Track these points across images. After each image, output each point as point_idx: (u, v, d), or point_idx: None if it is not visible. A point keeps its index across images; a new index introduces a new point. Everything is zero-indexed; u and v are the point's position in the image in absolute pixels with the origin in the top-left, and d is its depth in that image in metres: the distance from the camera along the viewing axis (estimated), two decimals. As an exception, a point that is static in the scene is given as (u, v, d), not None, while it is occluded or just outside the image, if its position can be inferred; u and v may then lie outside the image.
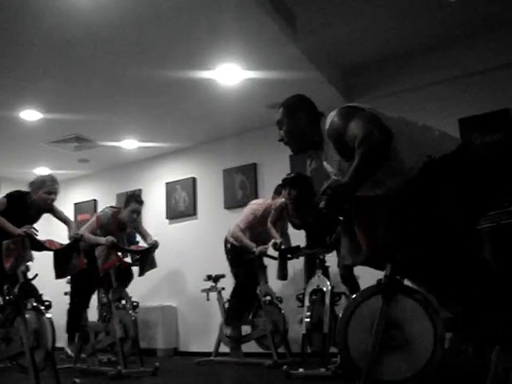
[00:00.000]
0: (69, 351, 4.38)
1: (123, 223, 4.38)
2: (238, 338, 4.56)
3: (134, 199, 4.38)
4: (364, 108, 2.01)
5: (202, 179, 6.07)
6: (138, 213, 4.38)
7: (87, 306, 4.45)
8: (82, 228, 4.34)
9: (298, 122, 2.19)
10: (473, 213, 1.93)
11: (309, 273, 4.08)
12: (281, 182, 4.05)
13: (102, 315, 4.35)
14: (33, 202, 3.71)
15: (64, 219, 3.93)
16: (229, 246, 4.61)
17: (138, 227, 4.52)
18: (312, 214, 3.93)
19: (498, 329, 1.79)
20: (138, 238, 4.88)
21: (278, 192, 4.37)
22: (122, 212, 4.36)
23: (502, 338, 1.77)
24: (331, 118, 2.04)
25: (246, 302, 4.57)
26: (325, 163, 2.22)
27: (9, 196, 3.67)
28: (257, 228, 4.43)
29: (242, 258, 4.52)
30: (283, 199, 4.13)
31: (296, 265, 4.26)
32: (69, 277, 4.28)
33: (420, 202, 1.86)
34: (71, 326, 4.34)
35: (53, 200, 3.76)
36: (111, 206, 4.63)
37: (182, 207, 6.12)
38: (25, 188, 3.82)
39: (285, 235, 4.47)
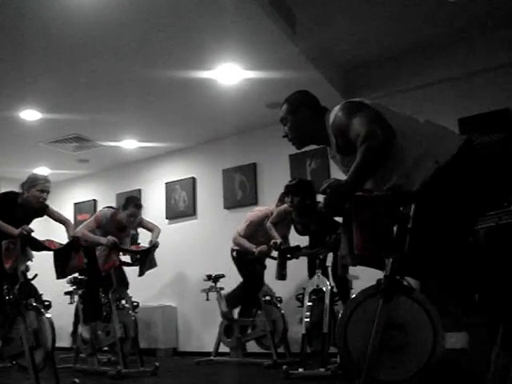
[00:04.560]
0: (86, 333, 4.24)
1: (122, 224, 4.39)
2: (230, 318, 4.65)
3: (132, 203, 4.37)
4: (368, 104, 2.00)
5: (201, 179, 6.07)
6: (136, 217, 4.39)
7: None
8: (80, 226, 4.35)
9: (301, 117, 2.19)
10: (478, 212, 1.93)
11: (310, 273, 4.10)
12: (282, 186, 4.04)
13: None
14: (25, 201, 3.69)
15: (61, 219, 3.92)
16: (234, 254, 4.63)
17: (141, 225, 4.55)
18: (315, 220, 3.94)
19: (498, 326, 1.80)
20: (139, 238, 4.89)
21: (282, 200, 4.35)
22: (121, 213, 4.37)
23: (502, 336, 1.78)
24: (335, 112, 2.03)
25: (246, 297, 4.62)
26: (331, 158, 2.22)
27: (1, 197, 3.66)
28: (257, 235, 4.43)
29: (248, 263, 4.54)
30: (286, 205, 4.13)
31: (296, 265, 4.25)
32: (69, 277, 4.28)
33: (435, 208, 1.85)
34: (88, 314, 4.25)
35: (45, 199, 3.74)
36: (110, 207, 4.63)
37: (181, 207, 6.12)
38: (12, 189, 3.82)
39: (285, 239, 4.47)
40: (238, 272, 4.65)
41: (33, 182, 3.70)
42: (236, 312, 4.79)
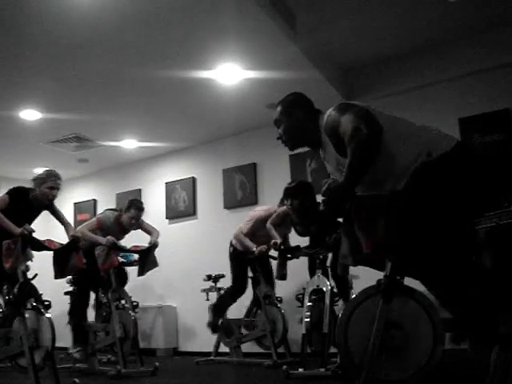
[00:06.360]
0: (74, 353, 4.28)
1: (124, 226, 4.39)
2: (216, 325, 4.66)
3: (134, 206, 4.36)
4: (359, 104, 2.01)
5: (201, 179, 6.07)
6: (137, 219, 4.39)
7: (87, 306, 4.45)
8: (81, 226, 4.34)
9: (295, 119, 2.19)
10: (472, 212, 1.93)
11: (311, 273, 4.10)
12: (282, 186, 4.04)
13: (100, 315, 4.35)
14: (34, 197, 3.69)
15: (62, 220, 3.90)
16: (231, 249, 4.62)
17: (141, 227, 4.53)
18: (315, 222, 3.94)
19: (497, 328, 1.79)
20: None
21: (283, 202, 4.32)
22: (123, 216, 4.37)
23: (501, 337, 1.78)
24: (328, 114, 2.05)
25: (231, 303, 4.65)
26: (324, 162, 2.22)
27: (11, 193, 3.64)
28: (258, 235, 4.43)
29: (244, 263, 4.54)
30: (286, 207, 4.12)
31: (296, 265, 4.25)
32: (69, 277, 4.28)
33: (420, 201, 1.86)
34: (77, 326, 4.28)
35: (54, 196, 3.73)
36: (112, 209, 4.62)
37: (181, 207, 6.12)
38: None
39: (286, 239, 4.46)
40: (230, 270, 4.65)
41: (44, 178, 3.69)
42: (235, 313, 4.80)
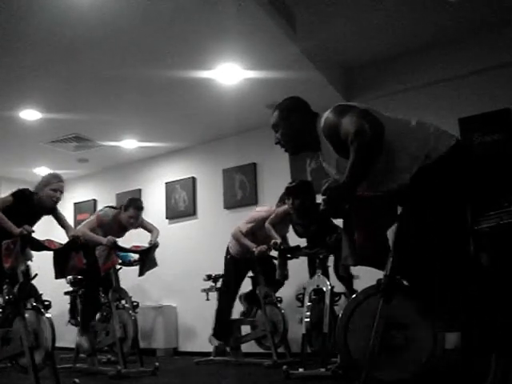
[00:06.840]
0: (84, 343, 4.23)
1: (123, 225, 4.39)
2: (224, 350, 4.59)
3: (133, 205, 4.35)
4: (357, 105, 2.02)
5: (201, 179, 6.07)
6: (136, 219, 4.38)
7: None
8: (81, 225, 4.34)
9: (293, 123, 2.19)
10: (471, 212, 1.93)
11: (311, 273, 4.09)
12: (282, 186, 4.03)
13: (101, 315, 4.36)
14: (38, 200, 3.69)
15: (63, 224, 3.89)
16: (228, 257, 4.60)
17: (142, 226, 4.53)
18: (316, 222, 3.93)
19: (495, 329, 1.79)
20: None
21: (282, 200, 4.32)
22: (122, 214, 4.37)
23: (499, 339, 1.77)
24: (326, 116, 2.05)
25: (230, 314, 4.61)
26: (324, 164, 2.22)
27: (16, 194, 3.63)
28: (259, 234, 4.42)
29: (239, 272, 4.53)
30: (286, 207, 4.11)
31: (296, 265, 4.25)
32: (69, 277, 4.27)
33: (419, 203, 1.86)
34: (86, 319, 4.25)
35: (58, 198, 3.73)
36: (111, 206, 4.62)
37: (181, 207, 6.12)
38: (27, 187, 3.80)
39: (284, 239, 4.45)
40: (223, 274, 4.64)
41: (47, 181, 3.69)
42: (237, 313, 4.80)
